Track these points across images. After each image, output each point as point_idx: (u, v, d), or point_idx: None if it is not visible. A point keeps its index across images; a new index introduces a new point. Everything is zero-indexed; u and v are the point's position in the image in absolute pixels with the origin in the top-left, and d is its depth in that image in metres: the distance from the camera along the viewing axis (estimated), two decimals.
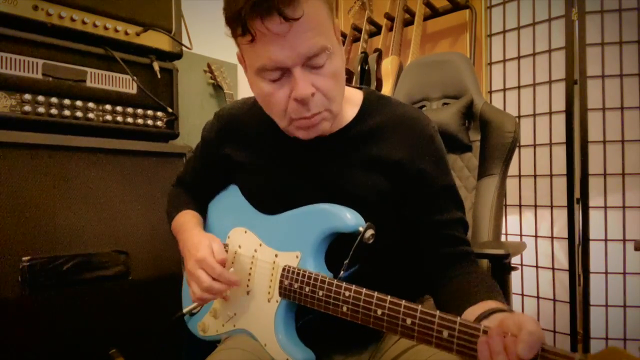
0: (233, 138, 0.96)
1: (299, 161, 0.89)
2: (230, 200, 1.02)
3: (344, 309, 0.74)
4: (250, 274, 0.92)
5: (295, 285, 0.81)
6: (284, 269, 0.84)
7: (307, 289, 0.79)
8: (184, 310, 0.97)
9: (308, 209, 0.87)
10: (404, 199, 0.86)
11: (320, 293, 0.77)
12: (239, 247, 0.95)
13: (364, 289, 0.73)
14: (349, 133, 0.87)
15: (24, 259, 1.18)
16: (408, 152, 0.85)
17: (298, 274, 0.82)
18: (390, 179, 0.85)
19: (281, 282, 0.84)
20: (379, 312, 0.70)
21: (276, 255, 0.89)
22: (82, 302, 1.27)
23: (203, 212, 1.07)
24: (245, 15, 0.69)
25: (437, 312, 0.64)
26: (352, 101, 0.90)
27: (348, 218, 0.81)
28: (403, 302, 0.68)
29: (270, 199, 0.91)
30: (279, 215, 0.90)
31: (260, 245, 0.93)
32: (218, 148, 0.98)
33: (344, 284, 0.75)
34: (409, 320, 0.66)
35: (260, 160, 0.93)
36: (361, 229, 0.78)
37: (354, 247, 0.77)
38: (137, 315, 1.36)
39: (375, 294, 0.71)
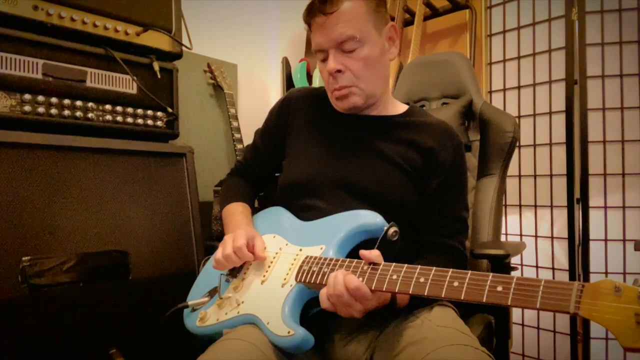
0: (293, 110, 1.15)
1: (347, 131, 1.07)
2: (268, 216, 1.12)
3: (360, 278, 0.79)
4: (269, 266, 0.95)
5: (315, 268, 0.86)
6: (306, 257, 0.90)
7: (326, 269, 0.84)
8: (189, 303, 0.99)
9: (338, 215, 0.96)
10: (427, 179, 1.02)
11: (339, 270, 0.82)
12: (264, 248, 1.00)
13: (383, 263, 0.80)
14: (394, 119, 1.09)
15: (24, 259, 1.18)
16: (439, 144, 1.04)
17: (319, 259, 0.87)
18: (423, 160, 1.03)
19: (300, 267, 0.88)
20: (394, 276, 0.76)
21: (300, 250, 0.95)
22: (82, 302, 1.27)
23: (254, 202, 1.24)
24: (306, 15, 1.02)
25: (450, 270, 0.72)
26: (399, 106, 1.14)
27: (375, 218, 0.91)
28: (418, 267, 0.76)
29: (316, 160, 1.06)
30: (309, 221, 1.01)
31: (287, 244, 0.99)
32: (279, 122, 1.16)
33: (362, 261, 0.81)
34: (422, 278, 0.73)
35: (313, 128, 1.11)
36: (386, 227, 0.87)
37: (378, 241, 0.86)
38: (137, 315, 1.36)
39: (393, 264, 0.78)
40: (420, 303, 0.93)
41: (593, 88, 1.83)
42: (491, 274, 0.68)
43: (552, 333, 1.93)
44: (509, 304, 0.64)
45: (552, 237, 1.94)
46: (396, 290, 0.75)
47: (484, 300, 0.66)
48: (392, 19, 2.43)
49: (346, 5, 0.96)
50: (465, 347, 0.78)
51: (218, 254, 0.97)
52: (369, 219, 0.91)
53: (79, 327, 1.25)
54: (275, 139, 1.17)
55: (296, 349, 0.81)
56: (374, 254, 0.81)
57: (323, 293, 0.81)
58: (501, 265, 1.11)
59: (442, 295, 0.70)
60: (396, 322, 0.91)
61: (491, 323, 1.13)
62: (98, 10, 1.39)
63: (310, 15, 1.00)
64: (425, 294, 0.72)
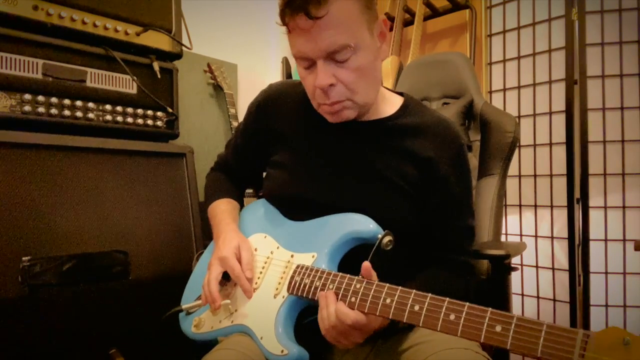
0: (276, 111, 1.03)
1: (335, 141, 0.96)
2: (258, 210, 1.07)
3: (352, 299, 0.75)
4: (261, 272, 0.93)
5: (307, 281, 0.82)
6: (297, 267, 0.86)
7: (317, 283, 0.81)
8: (183, 307, 0.98)
9: (330, 217, 0.91)
10: (426, 194, 0.92)
11: (331, 286, 0.79)
12: (255, 249, 0.98)
13: (376, 282, 0.75)
14: (386, 124, 0.95)
15: (24, 259, 1.18)
16: (438, 152, 0.92)
17: (311, 270, 0.84)
18: (421, 173, 0.92)
19: (292, 278, 0.85)
20: (388, 300, 0.72)
21: (292, 256, 0.91)
22: (82, 302, 1.27)
23: (240, 197, 1.15)
24: (283, 10, 0.83)
25: (446, 299, 0.68)
26: (392, 102, 0.99)
27: (368, 224, 0.85)
28: (413, 291, 0.71)
29: (304, 176, 0.97)
30: (301, 222, 0.95)
31: (278, 248, 0.95)
32: (260, 120, 1.05)
33: (356, 278, 0.77)
34: (417, 307, 0.69)
35: (299, 135, 1.00)
36: (380, 235, 0.81)
37: (372, 250, 0.80)
38: (137, 315, 1.36)
39: (387, 285, 0.74)
40: None
41: (593, 88, 1.83)
42: (490, 309, 0.64)
43: None
44: (508, 348, 0.60)
45: (552, 237, 1.94)
46: (390, 317, 0.72)
47: (482, 341, 0.63)
48: (392, 19, 2.43)
49: (337, 6, 0.79)
50: (466, 351, 0.77)
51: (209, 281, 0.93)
52: (362, 225, 0.86)
53: (79, 327, 1.25)
54: (255, 139, 1.07)
55: None
56: (374, 276, 0.77)
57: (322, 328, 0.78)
58: (501, 265, 1.11)
59: (438, 329, 0.67)
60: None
61: None
62: (98, 10, 1.39)
63: (289, 13, 0.82)
64: (420, 325, 0.69)
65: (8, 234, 1.17)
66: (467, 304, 0.66)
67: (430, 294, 0.70)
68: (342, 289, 0.77)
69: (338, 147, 0.96)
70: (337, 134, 0.96)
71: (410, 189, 0.92)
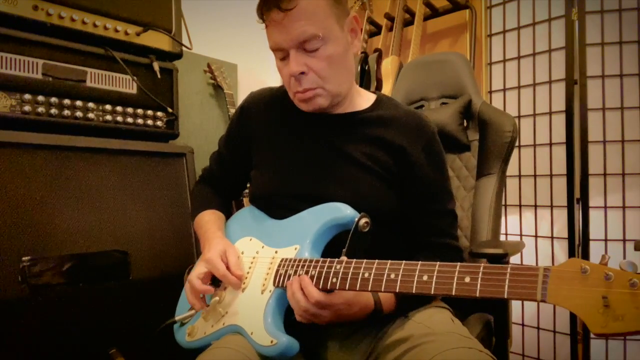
0: (256, 116, 1.08)
1: (311, 134, 1.01)
2: (244, 217, 1.09)
3: (334, 279, 0.78)
4: (248, 272, 0.95)
5: (290, 272, 0.85)
6: (281, 261, 0.89)
7: (300, 271, 0.83)
8: (176, 318, 0.98)
9: (308, 210, 0.94)
10: (402, 181, 0.97)
11: (314, 272, 0.81)
12: (242, 253, 1.00)
13: (355, 260, 0.78)
14: (360, 116, 1.01)
15: (24, 259, 1.19)
16: (410, 141, 0.97)
17: (294, 261, 0.86)
18: (394, 160, 0.96)
19: (277, 272, 0.88)
20: (366, 274, 0.75)
21: (276, 252, 0.94)
22: (82, 302, 1.27)
23: (226, 206, 1.19)
24: (260, 8, 0.91)
25: (419, 263, 0.71)
26: (366, 98, 1.05)
27: (345, 210, 0.89)
28: (388, 262, 0.74)
29: (283, 172, 1.01)
30: (282, 220, 0.98)
31: (263, 247, 0.97)
32: (241, 127, 1.10)
33: (336, 260, 0.80)
34: (392, 275, 0.72)
35: (277, 135, 1.05)
36: (356, 219, 0.84)
37: (350, 233, 0.84)
38: (137, 315, 1.36)
39: (364, 261, 0.77)
40: (409, 306, 0.92)
41: (593, 88, 1.83)
42: (459, 263, 0.67)
43: (552, 333, 1.92)
44: (477, 295, 0.62)
45: (552, 237, 1.93)
46: (369, 289, 0.75)
47: (454, 294, 0.65)
48: (392, 19, 2.43)
49: (306, 0, 0.87)
50: (470, 350, 0.77)
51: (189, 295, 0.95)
52: (339, 212, 0.89)
53: (79, 327, 1.26)
54: (239, 148, 1.11)
55: (281, 356, 0.80)
56: None
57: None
58: (500, 264, 1.10)
59: (413, 292, 0.69)
60: (393, 327, 0.89)
61: (490, 322, 1.13)
62: (98, 10, 1.40)
63: (264, 9, 0.90)
64: (397, 290, 0.71)
65: (8, 234, 1.17)
66: (438, 263, 0.69)
67: (404, 261, 0.72)
68: (324, 272, 0.80)
69: (314, 140, 1.01)
70: (312, 128, 1.01)
71: (385, 173, 0.96)
